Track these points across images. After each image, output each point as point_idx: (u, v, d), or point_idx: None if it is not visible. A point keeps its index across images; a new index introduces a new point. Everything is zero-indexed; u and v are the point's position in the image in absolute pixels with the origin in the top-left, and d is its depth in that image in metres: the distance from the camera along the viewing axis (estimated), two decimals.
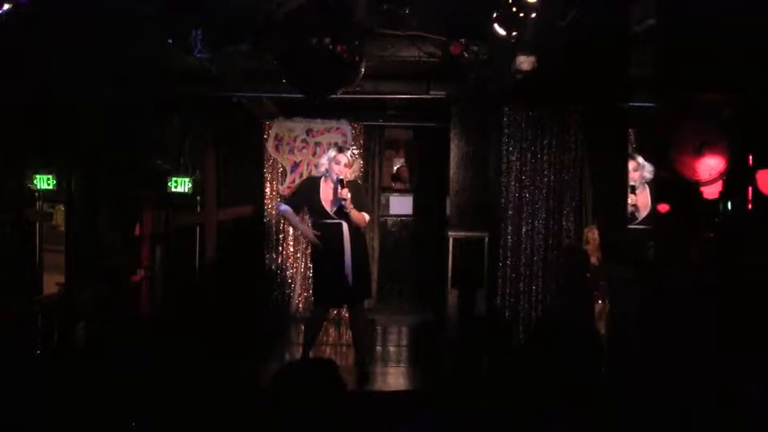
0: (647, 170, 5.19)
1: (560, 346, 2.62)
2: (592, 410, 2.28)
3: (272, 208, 7.45)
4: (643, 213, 5.14)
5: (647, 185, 5.21)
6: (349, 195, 4.91)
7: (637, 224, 5.04)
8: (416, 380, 5.25)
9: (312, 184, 5.15)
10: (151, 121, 6.21)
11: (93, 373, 4.44)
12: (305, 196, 5.15)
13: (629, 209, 4.96)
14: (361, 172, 7.44)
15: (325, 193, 5.05)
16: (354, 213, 4.96)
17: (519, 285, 5.94)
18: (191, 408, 2.23)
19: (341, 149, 5.10)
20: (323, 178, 5.09)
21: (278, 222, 7.44)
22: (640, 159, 5.20)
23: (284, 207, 5.20)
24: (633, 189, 5.01)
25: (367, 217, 5.11)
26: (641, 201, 5.14)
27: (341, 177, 4.95)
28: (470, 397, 2.39)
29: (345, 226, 5.00)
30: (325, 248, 5.04)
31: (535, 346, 2.98)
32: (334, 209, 5.01)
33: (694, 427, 2.79)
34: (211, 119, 7.10)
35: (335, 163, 4.99)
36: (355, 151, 5.29)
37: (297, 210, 5.19)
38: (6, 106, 4.37)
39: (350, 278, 4.96)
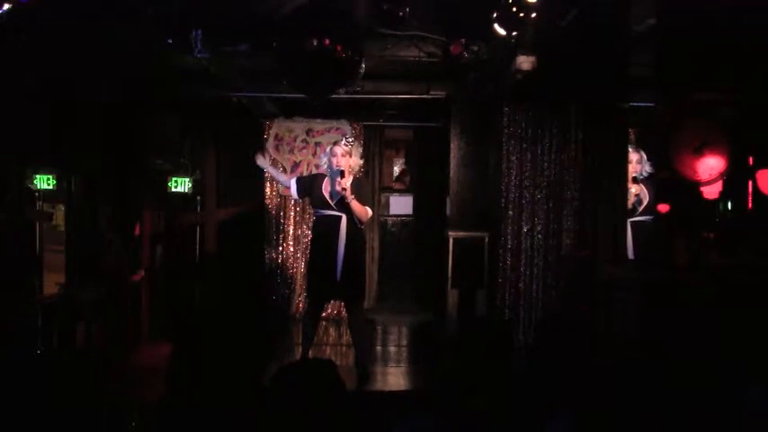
0: (647, 165, 5.22)
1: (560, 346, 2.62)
2: (592, 412, 2.28)
3: (272, 208, 7.46)
4: (644, 203, 5.17)
5: (646, 180, 5.24)
6: (348, 185, 4.92)
7: (638, 216, 5.06)
8: (416, 380, 5.24)
9: (318, 177, 5.20)
10: (151, 120, 6.21)
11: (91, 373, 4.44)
12: (311, 183, 5.19)
13: (632, 199, 4.99)
14: (361, 171, 7.45)
15: (327, 185, 5.06)
16: (356, 205, 4.95)
17: (519, 285, 5.94)
18: (189, 408, 2.24)
19: (336, 142, 5.14)
20: (327, 175, 5.11)
21: (278, 222, 7.45)
22: (643, 154, 5.23)
23: (293, 182, 5.34)
24: (635, 179, 5.04)
25: (369, 211, 5.10)
26: (642, 192, 5.17)
27: (340, 168, 4.96)
28: (470, 397, 2.39)
29: (344, 220, 4.99)
30: (320, 241, 5.05)
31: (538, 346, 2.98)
32: (335, 201, 5.01)
33: (695, 428, 2.79)
34: (211, 119, 7.10)
35: (332, 155, 5.03)
36: (350, 140, 5.26)
37: (300, 190, 5.27)
38: (7, 105, 4.37)
39: (339, 273, 4.96)
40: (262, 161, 5.57)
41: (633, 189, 5.00)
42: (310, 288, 5.19)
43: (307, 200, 5.79)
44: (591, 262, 5.24)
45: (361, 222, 5.08)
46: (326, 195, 5.03)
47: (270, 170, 5.88)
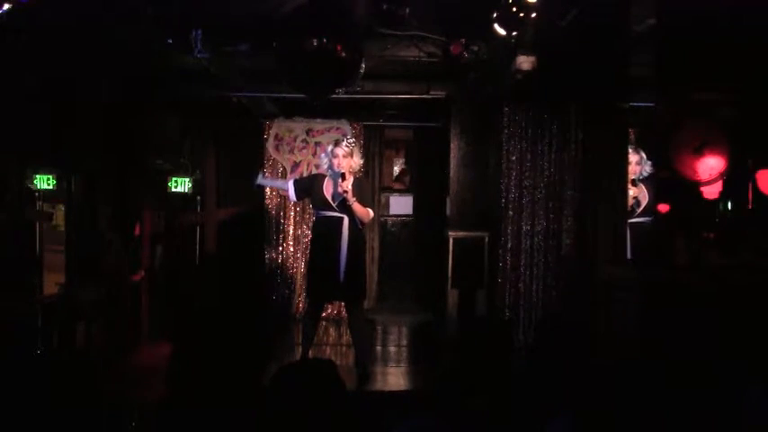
0: (647, 166, 5.22)
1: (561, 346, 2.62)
2: (592, 412, 2.28)
3: (272, 208, 7.45)
4: (642, 206, 5.16)
5: (645, 180, 5.24)
6: (350, 188, 4.91)
7: (636, 217, 5.06)
8: (416, 380, 5.24)
9: (318, 177, 5.20)
10: (151, 120, 6.21)
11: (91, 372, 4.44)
12: (310, 185, 5.20)
13: (630, 201, 4.99)
14: (361, 171, 7.45)
15: (328, 186, 5.06)
16: (357, 207, 4.94)
17: (519, 285, 5.94)
18: (189, 408, 2.24)
19: (337, 143, 5.13)
20: (327, 176, 5.10)
21: (278, 222, 7.45)
22: (643, 154, 5.23)
23: (290, 184, 5.36)
24: (634, 182, 5.04)
25: (371, 212, 5.10)
26: (641, 194, 5.17)
27: (342, 171, 4.95)
28: (470, 397, 2.39)
29: (346, 221, 4.98)
30: (321, 241, 5.04)
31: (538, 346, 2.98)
32: (337, 202, 5.01)
33: (695, 428, 2.79)
34: (211, 119, 7.10)
35: (334, 157, 5.02)
36: (351, 141, 5.27)
37: (298, 192, 5.29)
38: (7, 105, 4.37)
39: (341, 274, 4.95)
40: (261, 180, 5.62)
41: (631, 191, 4.99)
42: (312, 289, 5.17)
43: (306, 200, 5.80)
44: (591, 262, 5.25)
45: (362, 224, 5.08)
46: (328, 197, 5.02)
47: (269, 184, 5.96)
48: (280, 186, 6.37)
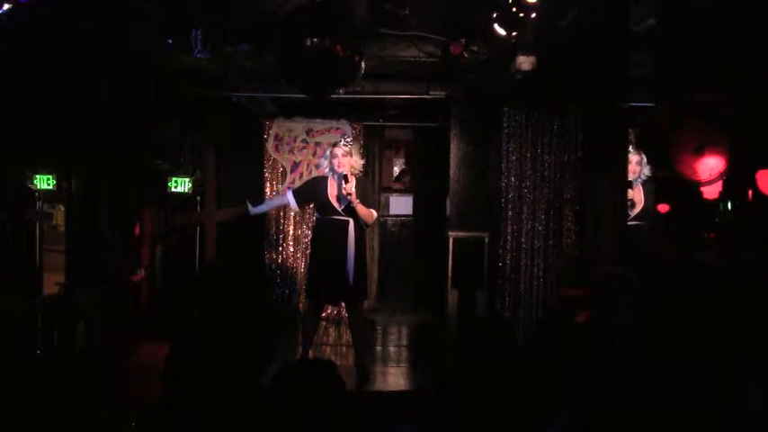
0: (647, 169, 5.21)
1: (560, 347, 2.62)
2: (592, 412, 2.28)
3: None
4: (638, 209, 5.15)
5: (643, 183, 5.23)
6: (354, 190, 4.90)
7: (631, 220, 5.06)
8: (416, 380, 5.24)
9: (320, 181, 5.18)
10: (151, 120, 6.21)
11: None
12: (312, 191, 5.18)
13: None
14: (362, 171, 7.44)
15: (333, 189, 5.05)
16: (361, 208, 4.94)
17: (519, 285, 5.94)
18: (189, 408, 2.24)
19: (335, 144, 5.12)
20: (329, 177, 5.09)
21: (278, 222, 7.44)
22: (644, 156, 5.22)
23: (289, 195, 5.33)
24: (630, 184, 5.03)
25: (375, 213, 5.10)
26: (636, 196, 5.16)
27: (344, 173, 4.95)
28: (470, 397, 2.38)
29: (352, 224, 4.98)
30: (328, 244, 5.03)
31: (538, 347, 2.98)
32: (343, 206, 5.00)
33: (694, 428, 2.79)
34: (211, 119, 7.10)
35: (333, 158, 5.01)
36: (349, 140, 5.27)
37: (300, 201, 5.27)
38: (6, 106, 4.37)
39: (351, 277, 4.95)
40: (254, 209, 5.60)
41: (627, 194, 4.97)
42: (315, 291, 5.14)
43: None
44: (590, 262, 5.24)
45: (367, 225, 5.08)
46: (334, 201, 5.00)
47: (264, 208, 6.01)
48: (278, 204, 6.37)
